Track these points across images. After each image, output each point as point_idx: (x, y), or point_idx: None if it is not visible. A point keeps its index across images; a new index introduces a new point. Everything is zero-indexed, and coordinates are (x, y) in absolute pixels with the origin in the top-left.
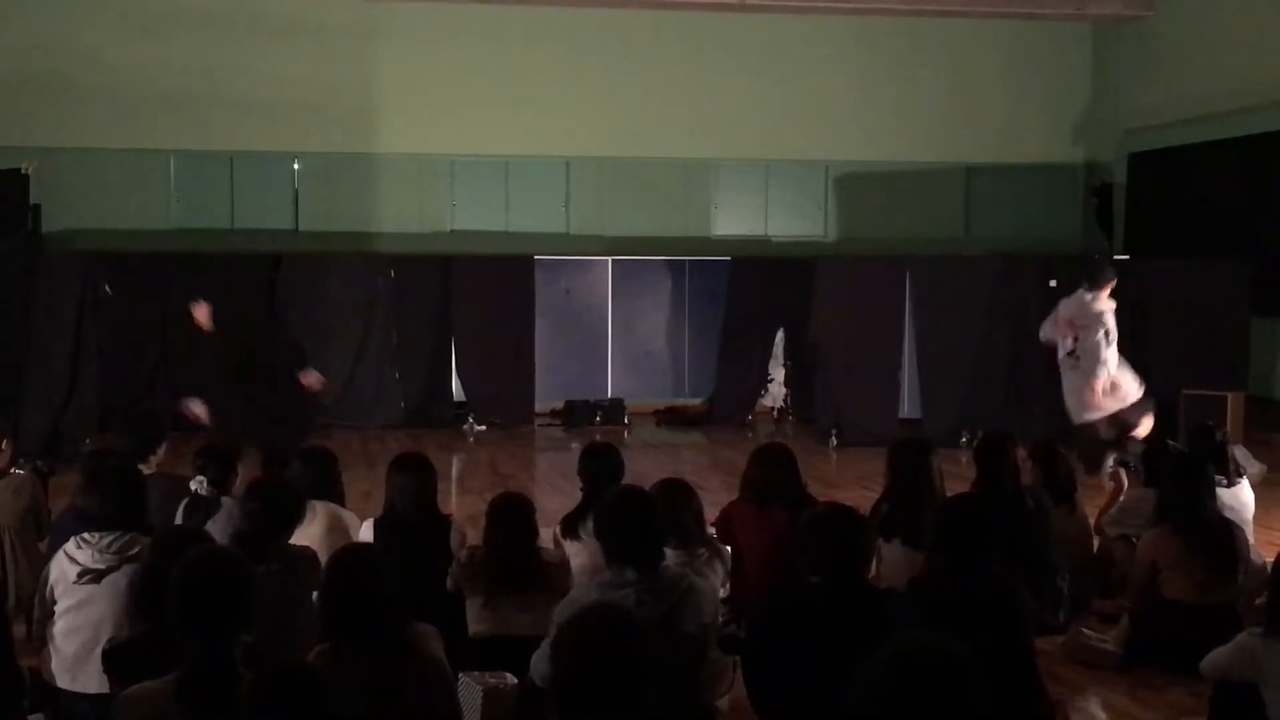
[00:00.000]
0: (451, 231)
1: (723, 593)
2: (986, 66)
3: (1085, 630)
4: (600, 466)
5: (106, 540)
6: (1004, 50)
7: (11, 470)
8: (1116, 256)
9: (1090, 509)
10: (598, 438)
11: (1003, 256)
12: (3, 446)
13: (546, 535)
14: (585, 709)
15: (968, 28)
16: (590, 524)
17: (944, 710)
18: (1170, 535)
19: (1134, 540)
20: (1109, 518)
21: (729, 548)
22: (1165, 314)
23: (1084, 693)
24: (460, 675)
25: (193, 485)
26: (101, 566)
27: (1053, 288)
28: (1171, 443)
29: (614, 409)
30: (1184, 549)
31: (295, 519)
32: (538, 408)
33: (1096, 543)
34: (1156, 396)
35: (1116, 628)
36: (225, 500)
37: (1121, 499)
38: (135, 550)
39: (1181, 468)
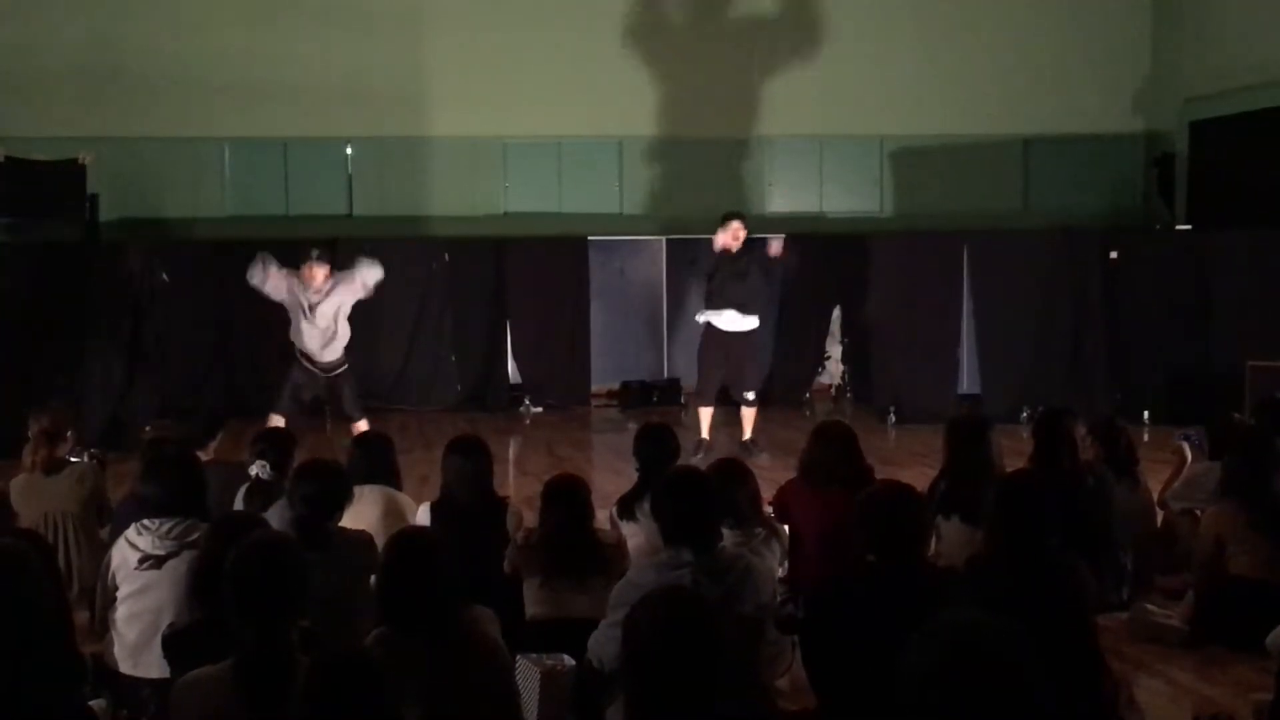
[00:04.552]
0: (505, 214)
1: (780, 573)
2: (1043, 36)
3: (1149, 607)
4: (656, 447)
5: (166, 526)
6: (1061, 19)
7: (72, 459)
8: (1179, 227)
9: (1153, 484)
10: (654, 419)
11: (1062, 230)
12: (67, 436)
13: (603, 517)
14: (655, 691)
15: None
16: (647, 505)
17: (991, 687)
18: (1235, 510)
19: (1198, 515)
20: (1172, 492)
21: (786, 527)
22: (1230, 285)
23: (1147, 671)
24: (518, 658)
25: (253, 470)
26: (162, 552)
27: (1113, 260)
28: (1237, 415)
29: (670, 389)
30: (1249, 524)
31: (345, 501)
32: (593, 389)
33: (1160, 518)
34: (1222, 369)
35: (1181, 604)
36: (286, 485)
37: (1185, 473)
38: (195, 536)
39: (1247, 441)
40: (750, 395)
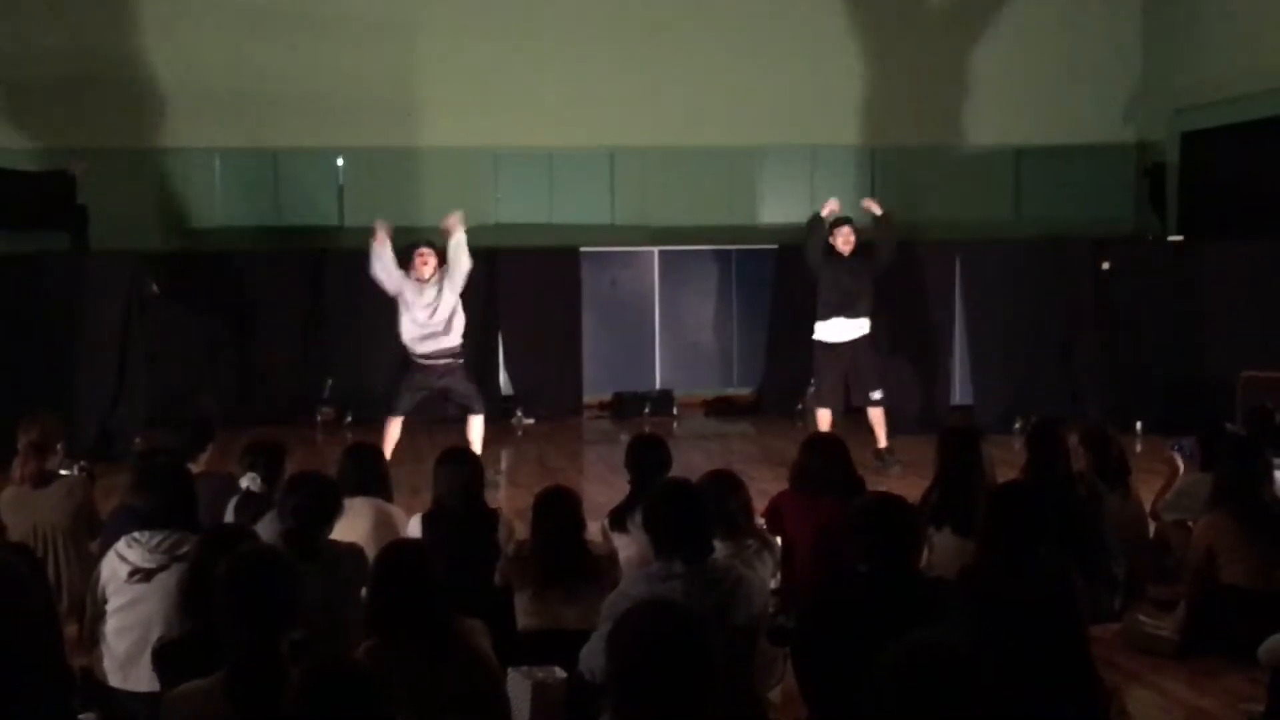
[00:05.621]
0: (496, 224)
1: (772, 584)
2: (1035, 46)
3: (1142, 617)
4: (648, 458)
5: (156, 539)
6: (1053, 29)
7: (61, 472)
8: (1171, 237)
9: (1146, 494)
10: (646, 429)
11: (1054, 240)
12: (56, 448)
13: (595, 528)
14: (641, 703)
15: (1015, 7)
16: (638, 516)
17: (953, 707)
18: (1226, 519)
19: (1190, 525)
20: (1164, 502)
21: (778, 538)
22: (1221, 295)
23: (1140, 681)
24: (509, 670)
25: (244, 482)
26: (152, 565)
27: (1105, 270)
28: (1228, 425)
29: (662, 400)
30: (1241, 533)
31: (335, 513)
32: (585, 400)
33: (1152, 528)
34: (1214, 379)
35: (1173, 614)
36: (277, 497)
37: (1177, 483)
38: (185, 549)
39: (1238, 450)
40: (876, 395)
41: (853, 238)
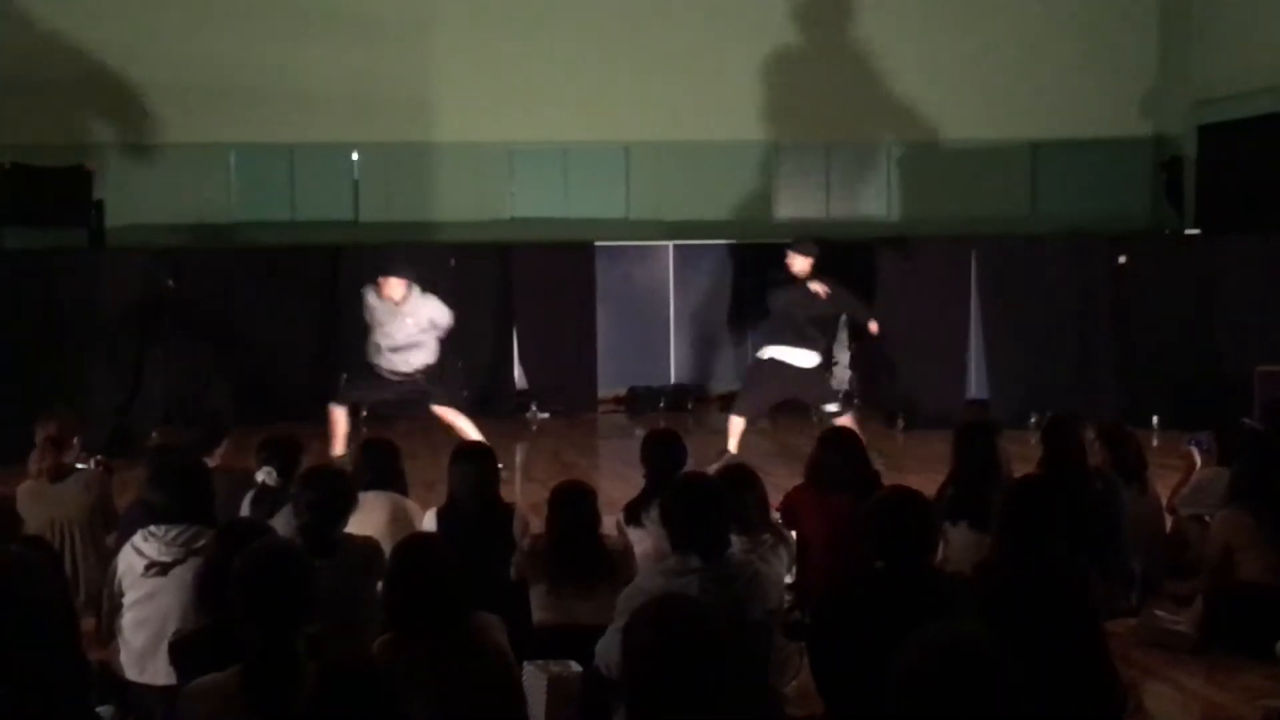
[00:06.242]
0: (511, 219)
1: (788, 579)
2: (1051, 40)
3: (1159, 612)
4: (663, 453)
5: (173, 533)
6: (1069, 23)
7: (78, 466)
8: (1188, 231)
9: (1162, 489)
10: (661, 424)
11: (1070, 234)
12: (73, 443)
13: (610, 523)
14: (656, 700)
15: (1031, 0)
16: (654, 511)
17: (973, 701)
18: (1244, 515)
19: (1207, 520)
20: (1181, 498)
21: (794, 533)
22: (1238, 290)
23: (1157, 677)
24: (525, 664)
25: (260, 476)
26: (168, 559)
27: (1122, 264)
28: (1246, 420)
29: (677, 395)
30: (1258, 529)
31: (350, 507)
32: (600, 395)
33: (1169, 523)
34: (1230, 374)
35: (1190, 610)
36: (292, 492)
37: (1194, 478)
38: (201, 543)
39: (1255, 445)
40: (831, 407)
41: (797, 262)
